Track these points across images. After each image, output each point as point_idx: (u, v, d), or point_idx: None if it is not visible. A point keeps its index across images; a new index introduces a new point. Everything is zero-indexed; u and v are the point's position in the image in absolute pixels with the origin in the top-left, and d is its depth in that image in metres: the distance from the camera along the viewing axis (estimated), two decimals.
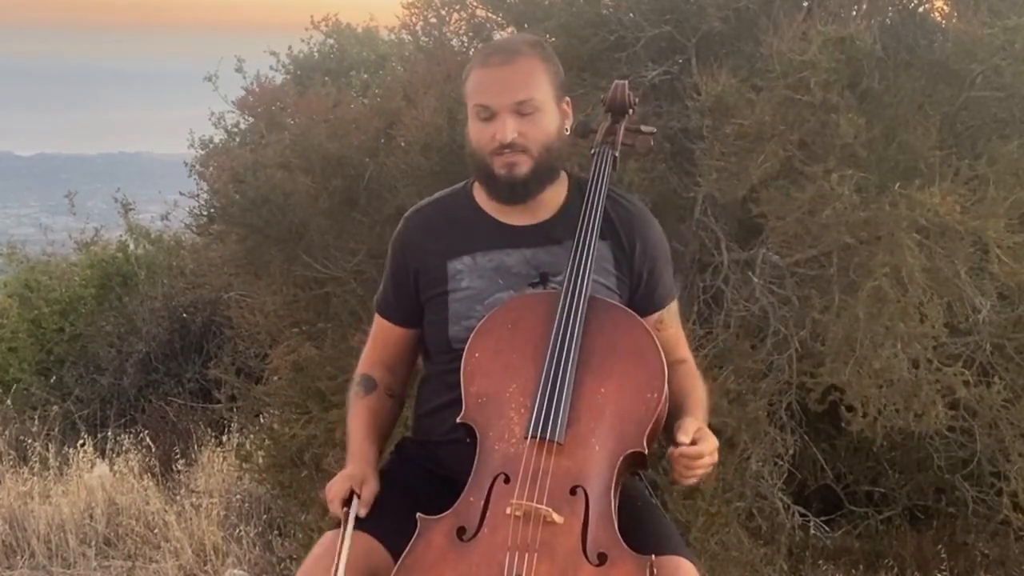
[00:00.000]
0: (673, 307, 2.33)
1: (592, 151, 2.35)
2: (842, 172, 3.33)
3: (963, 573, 4.08)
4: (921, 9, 3.99)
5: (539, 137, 2.16)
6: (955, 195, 3.27)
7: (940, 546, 4.12)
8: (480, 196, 2.29)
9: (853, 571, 4.10)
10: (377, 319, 2.39)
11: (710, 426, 2.13)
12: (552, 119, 2.19)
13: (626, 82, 2.44)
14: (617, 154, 2.34)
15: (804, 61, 3.39)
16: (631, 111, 2.42)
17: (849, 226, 3.37)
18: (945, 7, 4.02)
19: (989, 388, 3.56)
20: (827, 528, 4.11)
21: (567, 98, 2.25)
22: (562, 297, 2.12)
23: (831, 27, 3.48)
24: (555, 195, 2.27)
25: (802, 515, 3.94)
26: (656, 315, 2.26)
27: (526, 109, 2.14)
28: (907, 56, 3.66)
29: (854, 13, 3.94)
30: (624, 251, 2.26)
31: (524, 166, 2.16)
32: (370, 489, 2.15)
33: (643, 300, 2.26)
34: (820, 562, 4.09)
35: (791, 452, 3.82)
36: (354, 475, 2.17)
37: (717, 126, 3.55)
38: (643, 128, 2.43)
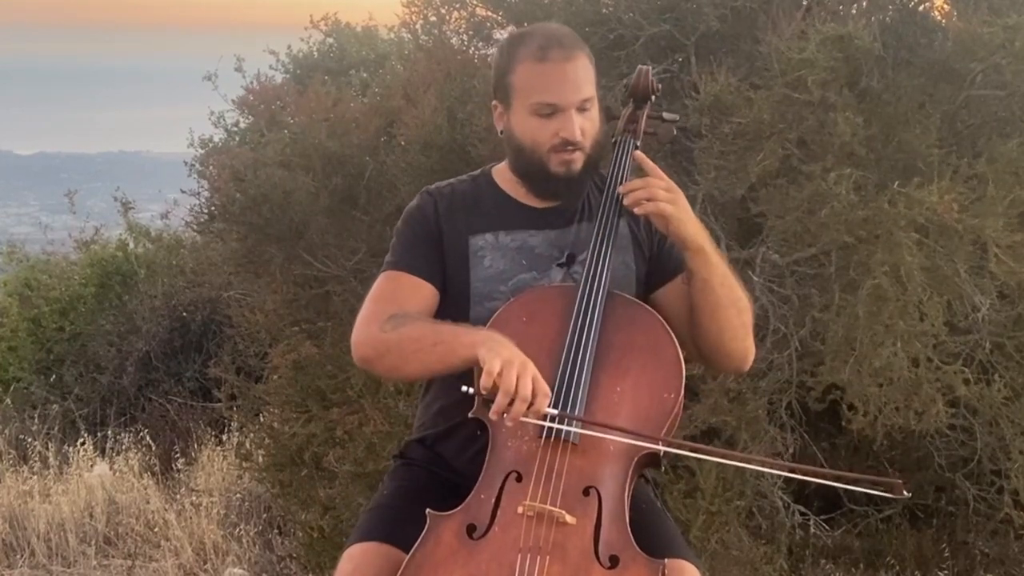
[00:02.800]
0: None
1: (613, 139, 2.28)
2: (841, 171, 3.33)
3: (963, 572, 4.07)
4: (921, 7, 3.98)
5: (594, 133, 2.14)
6: (954, 194, 3.27)
7: (941, 545, 4.12)
8: (502, 180, 2.24)
9: (853, 570, 4.09)
10: (390, 277, 2.14)
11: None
12: (598, 113, 2.16)
13: (649, 67, 2.36)
14: (639, 143, 2.27)
15: (802, 60, 3.38)
16: (654, 97, 2.34)
17: (848, 225, 3.37)
18: (945, 5, 4.03)
19: (989, 386, 3.56)
20: (827, 527, 4.12)
21: None
22: (579, 292, 2.07)
23: (830, 25, 3.47)
24: None
25: (802, 514, 3.94)
26: (680, 277, 2.18)
27: (587, 106, 2.11)
28: (907, 54, 3.65)
29: (853, 11, 3.94)
30: (639, 223, 2.21)
31: (578, 162, 2.13)
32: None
33: (665, 262, 2.21)
34: (820, 561, 4.09)
35: (791, 451, 3.82)
36: (513, 357, 1.90)
37: (715, 125, 3.55)
38: (666, 116, 2.34)
